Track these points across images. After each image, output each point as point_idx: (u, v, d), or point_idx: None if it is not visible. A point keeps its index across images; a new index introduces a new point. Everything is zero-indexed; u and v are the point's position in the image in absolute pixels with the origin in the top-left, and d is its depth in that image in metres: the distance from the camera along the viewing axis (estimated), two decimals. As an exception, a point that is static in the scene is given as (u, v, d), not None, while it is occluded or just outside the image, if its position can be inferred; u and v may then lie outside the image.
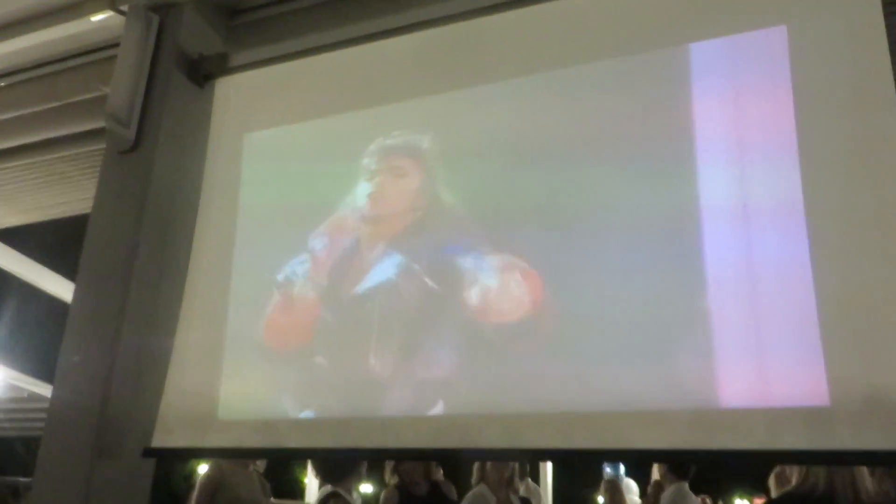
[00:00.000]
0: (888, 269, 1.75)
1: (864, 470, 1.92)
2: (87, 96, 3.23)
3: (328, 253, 2.40)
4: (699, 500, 4.19)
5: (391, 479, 2.97)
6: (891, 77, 1.84)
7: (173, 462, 2.65)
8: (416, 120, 2.49)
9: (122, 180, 2.71)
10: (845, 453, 1.72)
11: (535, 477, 3.40)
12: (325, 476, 2.72)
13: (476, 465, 3.06)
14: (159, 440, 2.46)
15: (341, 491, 2.81)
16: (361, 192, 2.45)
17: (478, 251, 2.19)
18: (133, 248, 2.57)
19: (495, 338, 2.09)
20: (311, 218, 2.54)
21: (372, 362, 2.22)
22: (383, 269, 2.29)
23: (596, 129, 2.16)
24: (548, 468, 3.63)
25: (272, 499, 3.02)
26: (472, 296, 2.14)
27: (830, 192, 1.86)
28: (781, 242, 1.89)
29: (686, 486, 3.74)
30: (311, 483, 2.96)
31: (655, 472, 4.31)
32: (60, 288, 5.34)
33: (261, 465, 2.84)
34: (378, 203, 2.40)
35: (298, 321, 2.36)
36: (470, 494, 3.13)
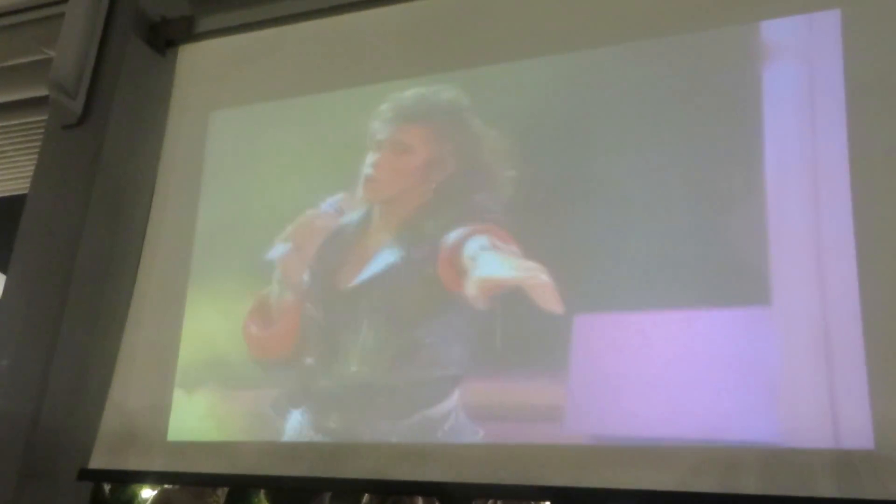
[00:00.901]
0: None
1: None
2: (28, 60, 3.12)
3: (300, 251, 2.35)
4: None
5: None
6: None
7: (112, 487, 2.51)
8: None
9: (66, 158, 2.62)
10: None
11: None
12: None
13: None
14: (98, 461, 2.35)
15: None
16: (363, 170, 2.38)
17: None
18: (76, 237, 2.49)
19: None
20: (289, 209, 2.44)
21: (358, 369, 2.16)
22: (382, 259, 2.23)
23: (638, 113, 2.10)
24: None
25: None
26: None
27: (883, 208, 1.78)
28: (824, 260, 1.80)
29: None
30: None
31: None
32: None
33: (221, 494, 2.66)
34: (373, 186, 2.33)
35: (279, 327, 2.32)
36: None
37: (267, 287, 2.34)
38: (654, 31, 2.14)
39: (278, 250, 2.35)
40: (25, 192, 2.68)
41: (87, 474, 2.32)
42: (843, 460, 1.63)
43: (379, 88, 2.43)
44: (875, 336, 1.67)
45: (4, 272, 2.58)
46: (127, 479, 2.44)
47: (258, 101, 2.63)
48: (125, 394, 2.40)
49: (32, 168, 2.69)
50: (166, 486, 2.45)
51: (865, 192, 1.77)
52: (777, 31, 2.01)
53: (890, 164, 1.78)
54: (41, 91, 2.90)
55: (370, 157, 2.34)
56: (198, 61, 2.78)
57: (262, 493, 2.42)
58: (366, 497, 2.58)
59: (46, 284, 2.44)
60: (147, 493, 2.53)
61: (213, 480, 2.34)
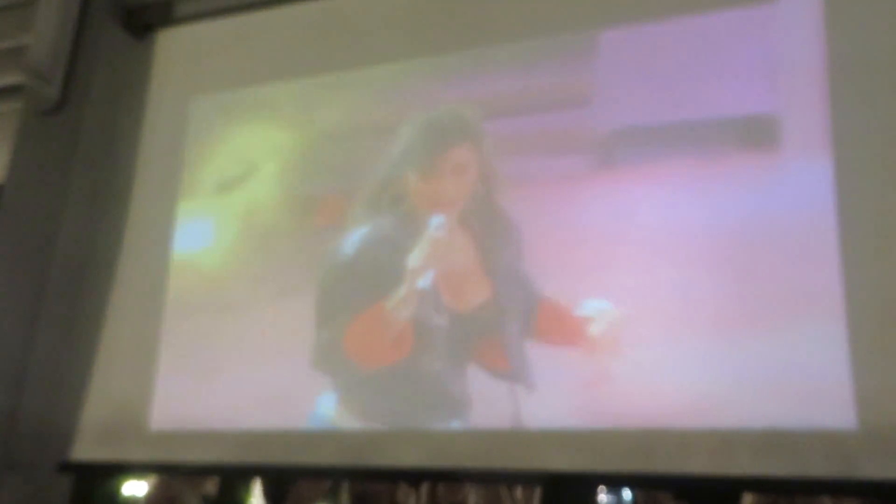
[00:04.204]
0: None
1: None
2: (3, 46, 3.08)
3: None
4: None
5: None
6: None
7: (95, 478, 2.57)
8: (412, 88, 2.43)
9: (44, 146, 2.65)
10: (872, 484, 1.72)
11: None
12: (273, 499, 2.63)
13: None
14: (79, 452, 2.41)
15: None
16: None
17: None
18: (55, 226, 2.53)
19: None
20: (275, 196, 2.50)
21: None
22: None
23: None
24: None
25: None
26: None
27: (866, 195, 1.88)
28: (809, 244, 1.90)
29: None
30: (259, 504, 2.93)
31: None
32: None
33: (213, 485, 2.74)
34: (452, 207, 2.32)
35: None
36: None
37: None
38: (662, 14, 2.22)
39: (426, 280, 2.26)
40: (2, 181, 2.70)
41: (66, 466, 2.38)
42: (828, 440, 1.74)
43: (359, 74, 2.48)
44: (859, 320, 1.77)
45: (-20, 262, 2.57)
46: (109, 471, 2.50)
47: (239, 86, 2.67)
48: (107, 384, 2.45)
49: (9, 155, 2.70)
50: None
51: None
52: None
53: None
54: (17, 77, 2.87)
55: (438, 183, 2.33)
56: (176, 46, 2.81)
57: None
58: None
59: (25, 274, 2.48)
60: (129, 486, 2.60)
61: (198, 470, 2.41)
